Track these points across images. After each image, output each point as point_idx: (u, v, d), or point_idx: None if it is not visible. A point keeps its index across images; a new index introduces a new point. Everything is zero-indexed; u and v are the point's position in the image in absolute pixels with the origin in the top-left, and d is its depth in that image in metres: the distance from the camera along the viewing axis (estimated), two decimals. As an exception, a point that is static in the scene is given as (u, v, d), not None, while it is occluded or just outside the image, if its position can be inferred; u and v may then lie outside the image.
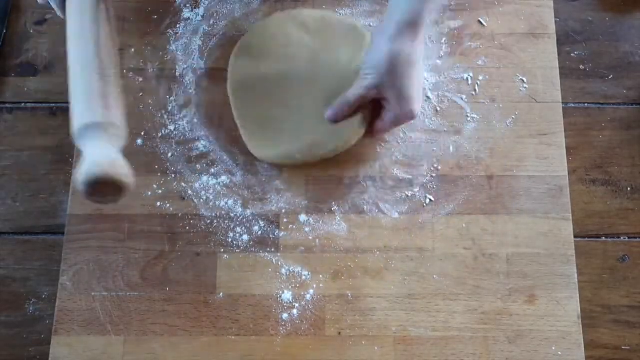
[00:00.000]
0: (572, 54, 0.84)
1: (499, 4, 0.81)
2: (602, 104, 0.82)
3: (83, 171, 0.54)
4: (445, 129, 0.77)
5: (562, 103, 0.78)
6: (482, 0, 0.82)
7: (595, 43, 0.84)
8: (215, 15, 0.82)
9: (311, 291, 0.71)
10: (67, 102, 0.79)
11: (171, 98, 0.78)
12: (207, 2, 0.83)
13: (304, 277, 0.72)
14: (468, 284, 0.71)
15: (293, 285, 0.71)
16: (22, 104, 0.83)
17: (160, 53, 0.80)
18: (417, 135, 0.77)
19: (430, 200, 0.74)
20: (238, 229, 0.73)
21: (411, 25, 0.65)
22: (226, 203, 0.74)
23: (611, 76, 0.83)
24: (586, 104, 0.82)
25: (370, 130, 0.73)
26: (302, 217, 0.74)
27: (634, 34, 0.85)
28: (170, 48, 0.81)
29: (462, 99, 0.78)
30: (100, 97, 0.58)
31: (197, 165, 0.76)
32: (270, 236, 0.73)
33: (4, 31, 0.86)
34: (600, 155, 0.80)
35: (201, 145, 0.76)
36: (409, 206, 0.74)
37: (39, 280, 0.76)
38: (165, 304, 0.71)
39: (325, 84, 0.76)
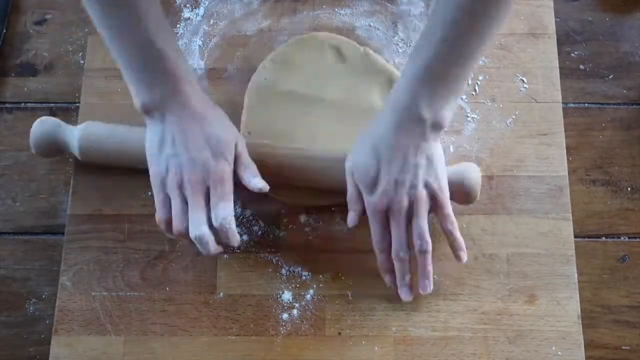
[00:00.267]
0: (572, 54, 0.84)
1: (499, 4, 0.81)
2: (602, 104, 0.82)
3: None
4: (445, 129, 0.77)
5: (562, 103, 0.78)
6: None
7: (595, 43, 0.84)
8: (215, 15, 0.82)
9: (311, 291, 0.71)
10: (67, 102, 0.80)
11: (171, 98, 0.78)
12: (207, 2, 0.83)
13: (304, 277, 0.72)
14: (468, 284, 0.71)
15: (293, 286, 0.71)
16: (22, 104, 0.83)
17: (160, 53, 0.80)
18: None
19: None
20: (238, 229, 0.73)
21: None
22: (226, 203, 0.74)
23: (611, 76, 0.83)
24: (586, 104, 0.82)
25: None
26: (302, 217, 0.74)
27: (634, 34, 0.85)
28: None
29: (462, 98, 0.78)
30: None
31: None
32: (270, 236, 0.73)
33: (4, 31, 0.86)
34: (600, 155, 0.80)
35: (201, 145, 0.76)
36: (409, 206, 0.74)
37: (39, 280, 0.76)
38: (165, 304, 0.71)
39: (349, 125, 0.73)
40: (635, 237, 0.77)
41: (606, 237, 0.77)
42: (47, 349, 0.70)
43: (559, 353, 0.69)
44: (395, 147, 0.62)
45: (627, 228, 0.77)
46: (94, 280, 0.72)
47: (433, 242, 0.66)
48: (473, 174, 0.69)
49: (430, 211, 0.65)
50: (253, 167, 0.67)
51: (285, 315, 0.70)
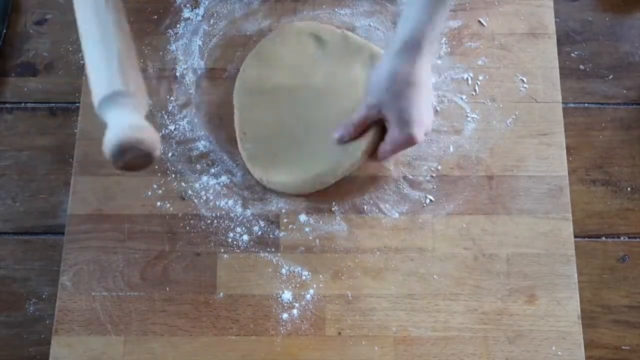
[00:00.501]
0: (572, 54, 0.84)
1: (499, 4, 0.81)
2: (602, 104, 0.82)
3: (111, 137, 0.53)
4: (445, 129, 0.77)
5: (562, 103, 0.78)
6: (482, 0, 0.82)
7: (595, 43, 0.84)
8: (215, 15, 0.82)
9: (311, 291, 0.71)
10: (67, 102, 0.80)
11: (171, 98, 0.78)
12: (207, 2, 0.83)
13: (304, 277, 0.72)
14: (468, 284, 0.71)
15: (293, 285, 0.71)
16: (22, 104, 0.83)
17: (161, 53, 0.80)
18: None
19: (430, 200, 0.74)
20: (238, 229, 0.73)
21: (413, 45, 0.64)
22: (226, 203, 0.74)
23: (611, 76, 0.83)
24: (586, 104, 0.82)
25: (375, 155, 0.72)
26: (302, 217, 0.74)
27: (634, 34, 0.85)
28: (170, 48, 0.81)
29: (462, 99, 0.78)
30: (118, 66, 0.56)
31: (197, 165, 0.75)
32: (270, 236, 0.73)
33: (4, 31, 0.86)
34: (600, 155, 0.80)
35: (201, 145, 0.76)
36: (409, 206, 0.74)
37: (39, 280, 0.76)
38: (165, 304, 0.71)
39: (337, 106, 0.75)
40: (635, 237, 0.77)
41: (606, 237, 0.77)
42: (47, 349, 0.70)
43: (559, 353, 0.69)
44: (418, 88, 0.66)
45: (627, 228, 0.77)
46: (94, 280, 0.72)
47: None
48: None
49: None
50: None
51: (285, 315, 0.70)
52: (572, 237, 0.73)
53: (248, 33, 0.81)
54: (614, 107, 0.82)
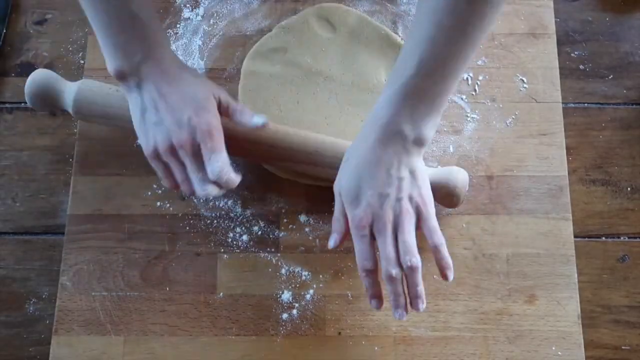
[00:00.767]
0: (572, 54, 0.84)
1: (499, 4, 0.81)
2: (602, 104, 0.82)
3: None
4: (445, 129, 0.77)
5: (562, 103, 0.78)
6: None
7: (595, 43, 0.84)
8: (215, 15, 0.82)
9: (311, 291, 0.71)
10: (67, 102, 0.78)
11: (171, 98, 0.78)
12: (207, 2, 0.83)
13: (304, 277, 0.72)
14: (468, 284, 0.71)
15: (293, 285, 0.71)
16: (22, 104, 0.83)
17: (160, 53, 0.80)
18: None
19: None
20: (238, 229, 0.73)
21: (394, 124, 0.60)
22: (226, 203, 0.74)
23: (611, 76, 0.83)
24: (586, 104, 0.82)
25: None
26: (302, 217, 0.74)
27: (634, 34, 0.85)
28: (170, 48, 0.80)
29: (462, 99, 0.78)
30: None
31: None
32: (270, 236, 0.73)
33: (4, 31, 0.86)
34: (600, 155, 0.80)
35: (201, 145, 0.76)
36: (409, 206, 0.74)
37: (39, 280, 0.76)
38: (165, 304, 0.71)
39: (349, 97, 0.75)
40: (635, 237, 0.77)
41: (606, 237, 0.77)
42: (47, 349, 0.70)
43: (559, 353, 0.69)
44: (377, 162, 0.60)
45: (627, 228, 0.77)
46: (94, 280, 0.72)
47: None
48: (459, 175, 0.69)
49: (416, 228, 0.62)
50: (246, 109, 0.67)
51: (285, 315, 0.70)
52: (572, 237, 0.73)
53: (248, 33, 0.81)
54: (614, 107, 0.82)
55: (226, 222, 0.73)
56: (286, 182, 0.75)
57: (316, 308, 0.70)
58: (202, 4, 0.83)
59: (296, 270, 0.72)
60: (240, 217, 0.74)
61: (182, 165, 0.64)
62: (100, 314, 0.71)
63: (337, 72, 0.77)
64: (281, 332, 0.70)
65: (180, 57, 0.80)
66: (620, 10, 0.86)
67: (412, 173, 0.61)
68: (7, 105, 0.83)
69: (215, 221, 0.73)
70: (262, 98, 0.76)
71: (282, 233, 0.73)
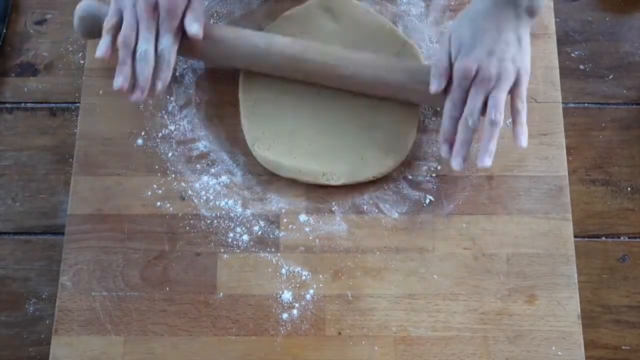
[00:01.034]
0: (572, 54, 0.84)
1: (499, 4, 0.81)
2: (602, 104, 0.82)
3: None
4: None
5: (562, 103, 0.78)
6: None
7: (595, 43, 0.85)
8: (215, 15, 0.82)
9: (311, 291, 0.71)
10: (67, 102, 0.80)
11: (171, 98, 0.78)
12: (207, 2, 0.83)
13: (304, 277, 0.72)
14: (468, 284, 0.71)
15: (293, 285, 0.71)
16: (22, 104, 0.83)
17: (160, 53, 0.80)
18: (417, 136, 0.76)
19: (430, 200, 0.74)
20: (238, 229, 0.73)
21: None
22: (226, 203, 0.74)
23: (611, 76, 0.83)
24: (586, 104, 0.82)
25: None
26: (302, 217, 0.74)
27: (634, 34, 0.85)
28: None
29: (462, 99, 0.78)
30: None
31: (197, 165, 0.76)
32: (270, 236, 0.73)
33: (4, 31, 0.86)
34: (600, 155, 0.80)
35: (201, 145, 0.76)
36: (409, 206, 0.74)
37: (39, 280, 0.76)
38: (165, 304, 0.71)
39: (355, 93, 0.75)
40: (635, 237, 0.77)
41: (606, 237, 0.77)
42: (47, 349, 0.70)
43: (559, 353, 0.69)
44: (492, 22, 0.65)
45: (627, 228, 0.77)
46: (94, 280, 0.72)
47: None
48: None
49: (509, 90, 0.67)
50: (199, 14, 0.70)
51: (285, 315, 0.70)
52: (572, 237, 0.73)
53: (248, 33, 0.81)
54: (614, 107, 0.82)
55: (226, 222, 0.74)
56: (286, 182, 0.75)
57: (316, 308, 0.70)
58: (202, 4, 0.83)
59: (296, 270, 0.72)
60: (240, 217, 0.74)
61: (135, 19, 0.66)
62: (100, 314, 0.71)
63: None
64: (281, 332, 0.70)
65: (181, 57, 0.80)
66: (620, 10, 0.86)
67: (519, 40, 0.66)
68: (7, 105, 0.83)
69: (215, 221, 0.74)
70: (264, 83, 0.76)
71: (282, 233, 0.73)
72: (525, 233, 0.73)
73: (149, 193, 0.75)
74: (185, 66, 0.80)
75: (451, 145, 0.67)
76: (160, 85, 0.68)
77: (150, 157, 0.76)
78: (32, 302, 0.76)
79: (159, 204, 0.74)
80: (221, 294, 0.71)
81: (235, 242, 0.73)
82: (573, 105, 0.82)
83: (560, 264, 0.72)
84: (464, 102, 0.66)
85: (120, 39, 0.66)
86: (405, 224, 0.73)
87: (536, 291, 0.71)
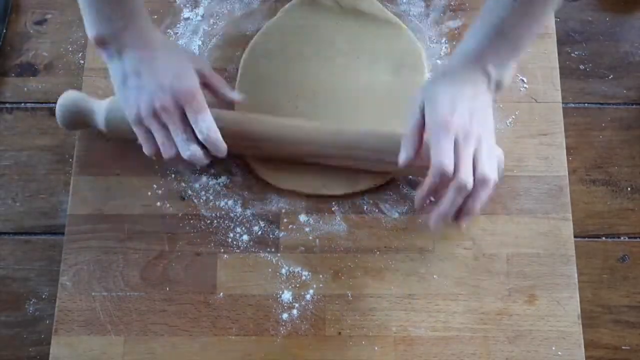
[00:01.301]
0: (572, 54, 0.84)
1: (499, 4, 0.81)
2: (602, 104, 0.82)
3: None
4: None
5: (562, 103, 0.78)
6: (482, 0, 0.82)
7: (595, 43, 0.85)
8: (215, 15, 0.82)
9: (311, 291, 0.71)
10: (67, 102, 0.78)
11: (171, 98, 0.78)
12: (207, 2, 0.83)
13: (304, 277, 0.72)
14: (468, 284, 0.71)
15: (293, 285, 0.71)
16: (22, 104, 0.83)
17: (160, 53, 0.80)
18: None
19: (430, 200, 0.74)
20: (238, 229, 0.73)
21: (481, 53, 0.62)
22: (226, 203, 0.74)
23: (611, 76, 0.83)
24: (586, 104, 0.82)
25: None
26: (302, 217, 0.74)
27: (634, 34, 0.85)
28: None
29: (462, 99, 0.78)
30: None
31: (197, 165, 0.75)
32: (270, 236, 0.73)
33: (4, 31, 0.86)
34: (600, 155, 0.80)
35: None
36: (409, 206, 0.74)
37: (39, 280, 0.76)
38: (165, 304, 0.71)
39: (356, 74, 0.75)
40: (635, 237, 0.77)
41: (606, 237, 0.77)
42: (47, 349, 0.70)
43: (559, 353, 0.69)
44: (468, 85, 0.63)
45: (627, 228, 0.77)
46: (94, 280, 0.72)
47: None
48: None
49: None
50: (223, 81, 0.71)
51: (285, 315, 0.70)
52: (572, 237, 0.73)
53: (248, 33, 0.81)
54: (614, 107, 0.82)
55: (226, 222, 0.73)
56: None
57: (316, 308, 0.70)
58: (202, 4, 0.83)
59: (296, 270, 0.72)
60: (240, 217, 0.74)
61: (165, 128, 0.65)
62: (100, 314, 0.71)
63: (344, 51, 0.77)
64: (281, 332, 0.70)
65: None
66: (620, 10, 0.86)
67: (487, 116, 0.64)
68: (7, 105, 0.83)
69: (215, 221, 0.74)
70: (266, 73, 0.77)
71: (282, 233, 0.73)
72: (525, 233, 0.73)
73: (149, 193, 0.75)
74: (185, 66, 0.80)
75: (430, 203, 0.64)
76: (222, 153, 0.67)
77: (150, 157, 0.75)
78: (32, 302, 0.76)
79: (159, 204, 0.74)
80: (221, 294, 0.71)
81: (235, 242, 0.73)
82: (573, 105, 0.82)
83: (560, 264, 0.72)
84: (452, 155, 0.61)
85: (168, 159, 0.66)
86: (405, 224, 0.73)
87: (536, 291, 0.71)
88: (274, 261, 0.72)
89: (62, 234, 0.74)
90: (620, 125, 0.81)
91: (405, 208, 0.74)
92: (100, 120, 0.72)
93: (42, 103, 0.84)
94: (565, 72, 0.82)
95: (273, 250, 0.72)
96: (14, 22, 0.86)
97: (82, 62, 0.83)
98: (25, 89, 0.84)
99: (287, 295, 0.71)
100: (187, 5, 0.83)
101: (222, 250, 0.72)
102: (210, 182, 0.75)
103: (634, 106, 0.82)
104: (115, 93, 0.67)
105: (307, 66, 0.77)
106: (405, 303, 0.70)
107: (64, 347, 0.69)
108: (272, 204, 0.74)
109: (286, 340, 0.69)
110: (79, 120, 0.72)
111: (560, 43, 0.81)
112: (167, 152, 0.66)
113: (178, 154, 0.66)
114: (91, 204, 0.74)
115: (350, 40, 0.78)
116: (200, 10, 0.82)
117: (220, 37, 0.81)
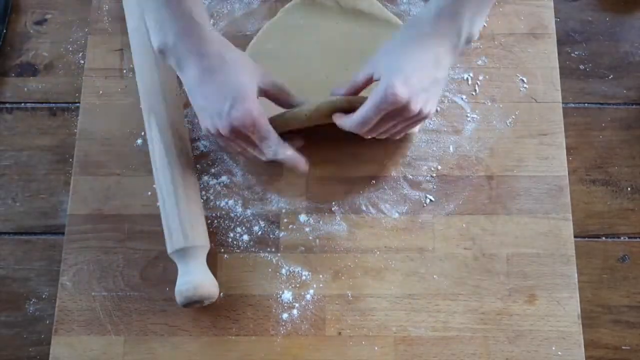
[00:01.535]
0: (572, 54, 0.84)
1: (499, 4, 0.81)
2: (602, 104, 0.82)
3: (181, 292, 0.67)
4: (445, 129, 0.77)
5: (562, 103, 0.78)
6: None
7: (595, 43, 0.85)
8: (215, 15, 0.82)
9: (311, 291, 0.71)
10: (67, 102, 0.80)
11: (171, 98, 0.78)
12: (207, 2, 0.83)
13: (304, 277, 0.72)
14: (468, 284, 0.71)
15: (293, 285, 0.71)
16: (22, 104, 0.83)
17: (160, 53, 0.80)
18: (417, 135, 0.77)
19: (430, 200, 0.74)
20: (238, 229, 0.73)
21: (450, 13, 0.59)
22: (226, 203, 0.74)
23: (611, 76, 0.83)
24: (586, 104, 0.82)
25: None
26: (302, 217, 0.74)
27: (634, 34, 0.85)
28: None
29: (462, 99, 0.78)
30: (189, 224, 0.69)
31: (197, 165, 0.76)
32: (270, 236, 0.73)
33: (4, 31, 0.86)
34: (600, 155, 0.80)
35: (201, 145, 0.76)
36: (409, 206, 0.74)
37: (39, 280, 0.76)
38: (165, 304, 0.71)
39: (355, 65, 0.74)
40: (635, 237, 0.77)
41: (606, 237, 0.77)
42: (47, 349, 0.70)
43: (559, 353, 0.69)
44: (428, 49, 0.60)
45: (627, 228, 0.77)
46: (94, 280, 0.72)
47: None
48: None
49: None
50: (286, 90, 0.68)
51: (285, 315, 0.70)
52: (572, 237, 0.73)
53: (248, 33, 0.81)
54: (614, 107, 0.82)
55: (226, 222, 0.74)
56: (286, 182, 0.75)
57: (316, 308, 0.70)
58: (202, 4, 0.83)
59: (296, 270, 0.72)
60: (241, 217, 0.74)
61: (246, 142, 0.65)
62: (100, 314, 0.71)
63: (344, 51, 0.77)
64: (281, 332, 0.70)
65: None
66: (620, 10, 0.86)
67: (444, 76, 0.62)
68: (7, 105, 0.83)
69: (215, 221, 0.74)
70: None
71: (282, 233, 0.73)
72: (525, 233, 0.73)
73: (149, 193, 0.75)
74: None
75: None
76: (304, 168, 0.69)
77: (150, 157, 0.75)
78: (32, 302, 0.76)
79: (159, 204, 0.74)
80: (221, 294, 0.71)
81: (235, 242, 0.73)
82: (573, 105, 0.82)
83: (560, 264, 0.72)
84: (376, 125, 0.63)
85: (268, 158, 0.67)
86: (405, 224, 0.73)
87: (536, 291, 0.71)
88: (274, 261, 0.72)
89: (62, 233, 0.74)
90: (620, 125, 0.81)
91: (405, 208, 0.74)
92: None
93: (42, 103, 0.84)
94: (565, 72, 0.82)
95: (273, 250, 0.72)
96: (14, 22, 0.86)
97: (82, 62, 0.83)
98: (25, 89, 0.84)
99: (287, 295, 0.71)
100: (187, 5, 0.82)
101: (222, 250, 0.73)
102: (211, 182, 0.75)
103: (634, 106, 0.82)
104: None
105: (307, 66, 0.77)
106: (405, 303, 0.70)
107: (64, 347, 0.69)
108: (272, 204, 0.74)
109: (286, 340, 0.69)
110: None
111: (560, 43, 0.82)
112: (264, 154, 0.66)
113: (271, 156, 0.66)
114: (91, 204, 0.74)
115: (350, 40, 0.78)
116: (200, 10, 0.82)
117: (220, 37, 0.81)
